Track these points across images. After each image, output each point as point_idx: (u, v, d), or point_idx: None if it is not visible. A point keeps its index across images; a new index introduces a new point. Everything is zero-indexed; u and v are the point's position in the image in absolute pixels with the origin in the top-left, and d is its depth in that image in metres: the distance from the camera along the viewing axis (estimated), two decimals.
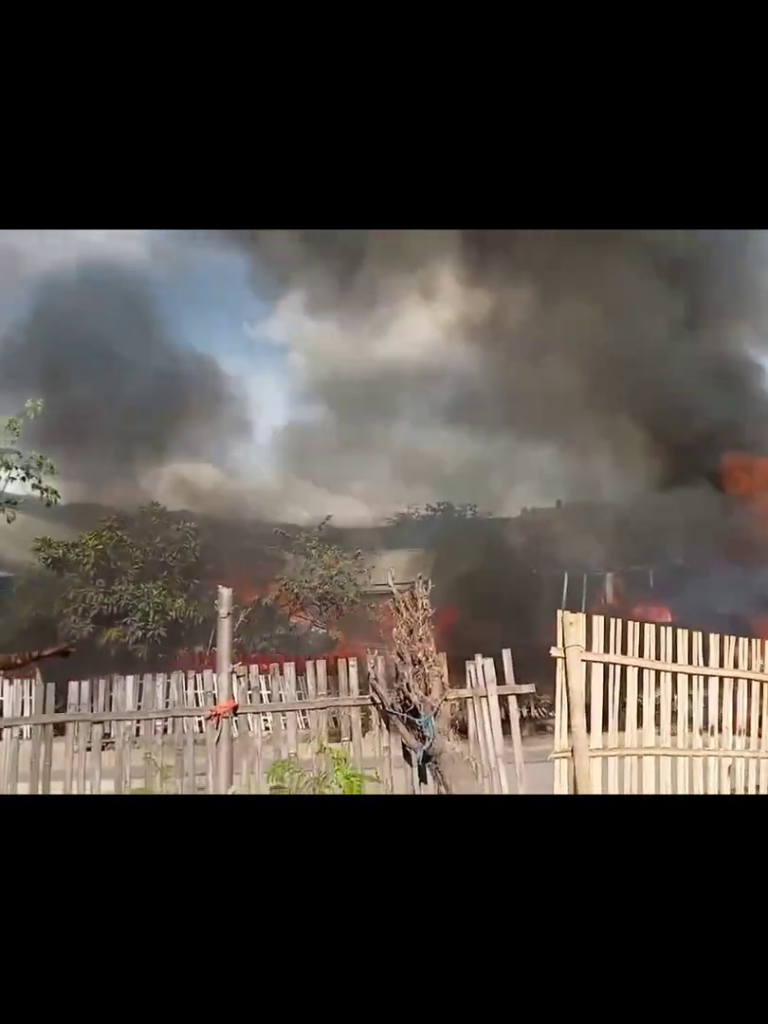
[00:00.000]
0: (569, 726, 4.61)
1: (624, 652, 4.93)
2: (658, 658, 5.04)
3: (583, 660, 4.67)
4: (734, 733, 5.42)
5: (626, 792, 4.84)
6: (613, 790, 4.74)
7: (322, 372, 25.10)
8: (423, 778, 4.56)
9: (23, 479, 6.71)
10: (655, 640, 5.03)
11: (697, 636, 5.29)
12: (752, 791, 5.38)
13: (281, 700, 4.84)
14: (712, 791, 5.21)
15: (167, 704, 5.21)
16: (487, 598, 17.18)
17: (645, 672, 4.99)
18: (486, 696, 4.79)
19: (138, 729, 5.01)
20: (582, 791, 4.52)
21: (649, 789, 4.91)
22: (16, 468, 6.63)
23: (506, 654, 4.90)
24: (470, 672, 4.85)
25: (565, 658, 4.65)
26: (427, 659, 4.52)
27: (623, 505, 20.28)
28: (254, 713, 4.86)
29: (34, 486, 6.81)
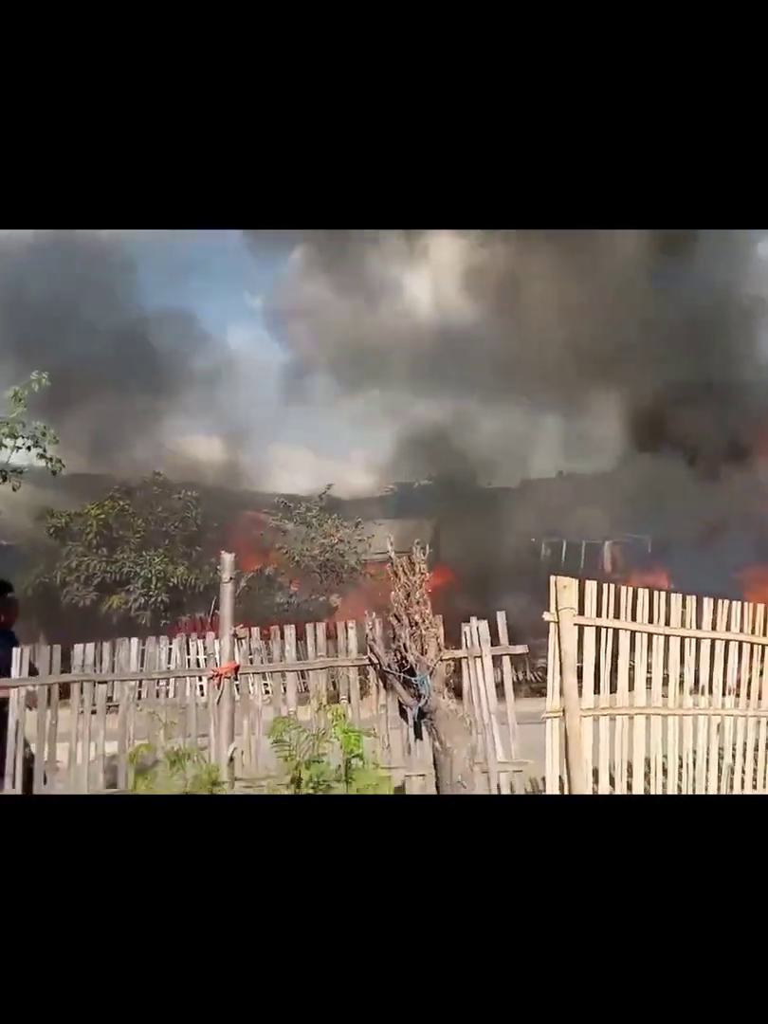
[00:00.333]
0: (561, 687, 4.75)
1: (616, 616, 5.05)
2: (650, 621, 5.17)
3: (575, 624, 4.80)
4: (723, 693, 5.56)
5: (617, 751, 4.99)
6: (604, 749, 4.90)
7: (324, 341, 24.95)
8: (418, 735, 4.72)
9: (29, 448, 6.79)
10: (648, 604, 5.15)
11: (690, 600, 5.41)
12: (740, 749, 5.53)
13: (283, 661, 4.97)
14: (701, 750, 5.37)
15: (170, 667, 5.34)
16: (487, 566, 17.36)
17: (637, 635, 5.11)
18: (480, 656, 4.92)
19: (141, 692, 5.14)
20: (573, 750, 4.67)
21: (640, 748, 5.06)
22: (22, 438, 6.70)
23: (501, 616, 5.02)
24: (465, 633, 4.98)
25: (558, 622, 4.78)
26: (424, 621, 4.64)
27: (623, 475, 20.37)
28: (255, 674, 4.99)
29: (40, 456, 6.89)
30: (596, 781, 4.98)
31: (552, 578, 4.87)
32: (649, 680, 5.14)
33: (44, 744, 5.05)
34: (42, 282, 22.43)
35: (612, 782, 5.01)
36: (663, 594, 5.24)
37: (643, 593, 5.14)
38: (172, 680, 5.29)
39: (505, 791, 4.80)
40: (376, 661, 4.80)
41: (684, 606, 5.32)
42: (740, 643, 5.59)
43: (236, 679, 4.76)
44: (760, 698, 5.73)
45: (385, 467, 26.04)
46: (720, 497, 18.43)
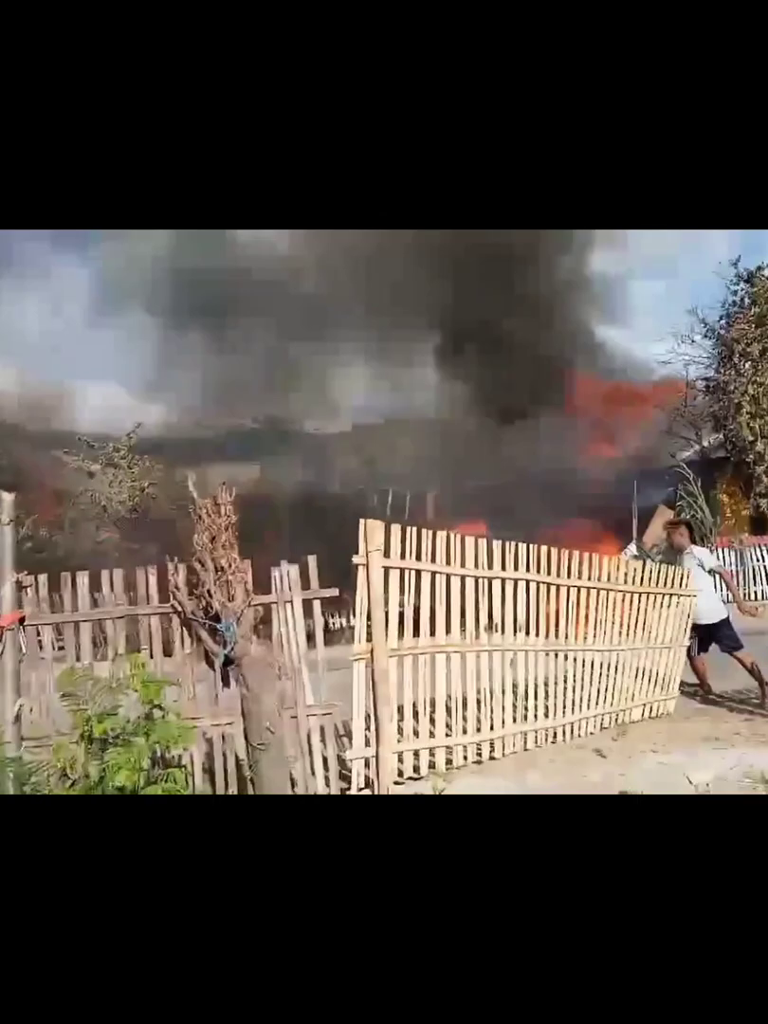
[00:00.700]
0: (369, 629, 4.80)
1: (419, 558, 5.15)
2: (448, 563, 5.33)
3: (382, 566, 4.84)
4: (515, 631, 5.90)
5: (420, 688, 5.15)
6: (408, 686, 5.03)
7: (137, 268, 23.13)
8: (225, 683, 4.56)
9: None
10: (446, 546, 5.30)
11: (483, 543, 5.65)
12: (531, 682, 5.92)
13: (76, 611, 4.60)
14: (497, 683, 5.68)
15: None
16: (312, 512, 17.34)
17: (438, 576, 5.26)
18: (290, 601, 4.83)
19: None
20: (380, 690, 4.75)
21: (441, 684, 5.25)
22: None
23: (311, 560, 4.95)
24: (275, 577, 4.86)
25: (366, 564, 4.79)
26: (230, 566, 4.45)
27: (451, 425, 21.00)
28: (45, 625, 4.58)
29: None
30: (401, 718, 5.12)
31: (362, 521, 4.86)
32: (448, 620, 5.31)
33: None
34: None
35: (416, 718, 5.17)
36: (459, 537, 5.42)
37: (442, 535, 5.28)
38: None
39: (314, 736, 4.80)
40: (180, 608, 4.57)
41: (477, 548, 5.54)
42: (529, 582, 5.93)
43: (22, 628, 4.33)
44: (548, 634, 6.15)
45: (207, 408, 25.07)
46: (536, 449, 19.57)
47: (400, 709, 5.04)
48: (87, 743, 3.49)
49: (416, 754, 5.13)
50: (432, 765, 5.15)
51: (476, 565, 5.53)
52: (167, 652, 4.70)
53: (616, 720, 6.63)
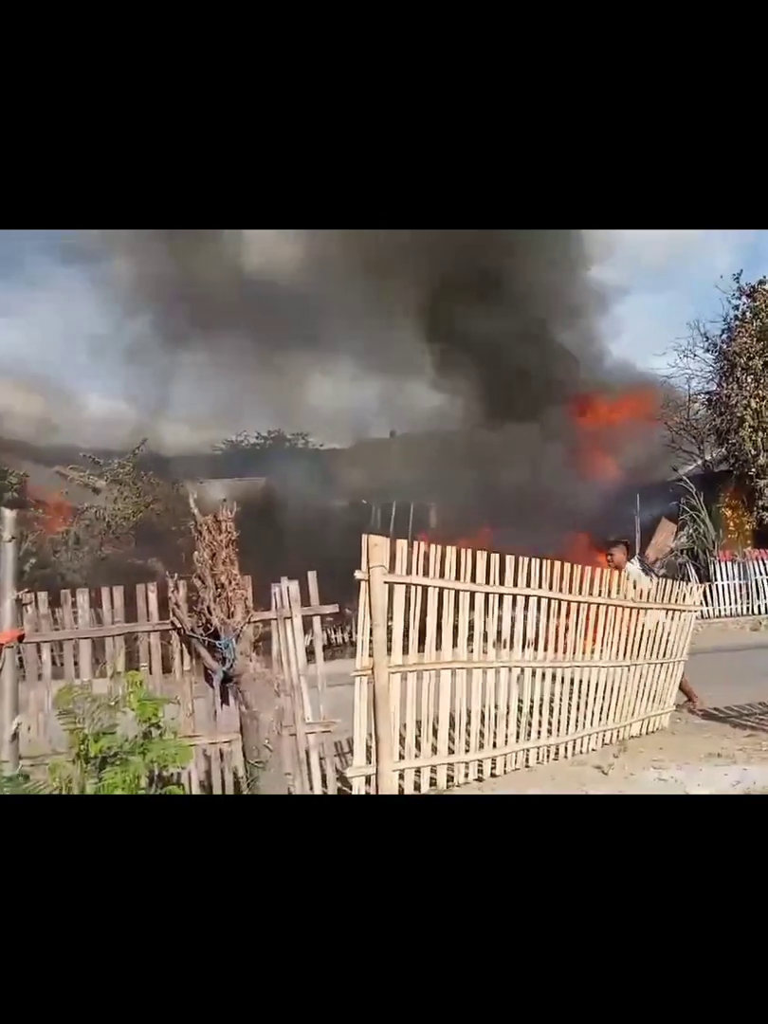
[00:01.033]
0: (370, 645, 4.78)
1: (426, 574, 5.14)
2: (457, 579, 5.31)
3: (385, 582, 4.82)
4: (524, 646, 5.87)
5: (424, 705, 5.12)
6: (411, 704, 5.00)
7: (146, 282, 23.23)
8: (224, 700, 4.55)
9: None
10: (455, 562, 5.28)
11: (494, 558, 5.62)
12: (538, 699, 5.89)
13: (75, 627, 4.59)
14: (502, 700, 5.64)
15: None
16: (316, 527, 17.35)
17: (445, 592, 5.24)
18: (290, 617, 4.82)
19: None
20: (381, 706, 4.72)
21: (445, 701, 5.22)
22: None
23: (311, 576, 4.94)
24: (275, 594, 4.85)
25: (369, 580, 4.78)
26: (230, 583, 4.46)
27: (454, 438, 20.99)
28: (43, 642, 4.57)
29: None
30: (403, 735, 5.09)
31: (364, 536, 4.85)
32: (455, 636, 5.29)
33: None
34: None
35: (418, 735, 5.14)
36: (469, 552, 5.40)
37: (451, 551, 5.26)
38: None
39: (313, 753, 4.77)
40: (179, 625, 4.56)
41: (488, 564, 5.51)
42: (539, 598, 5.91)
43: (20, 649, 4.33)
44: (556, 650, 6.12)
45: (213, 424, 25.15)
46: (539, 463, 19.56)
47: (402, 726, 5.01)
48: (84, 762, 3.47)
49: (417, 771, 5.08)
50: (433, 782, 5.11)
51: (485, 580, 5.50)
52: (166, 669, 4.69)
53: (617, 736, 6.59)
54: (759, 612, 16.78)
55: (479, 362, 21.30)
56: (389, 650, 4.84)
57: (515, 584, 5.74)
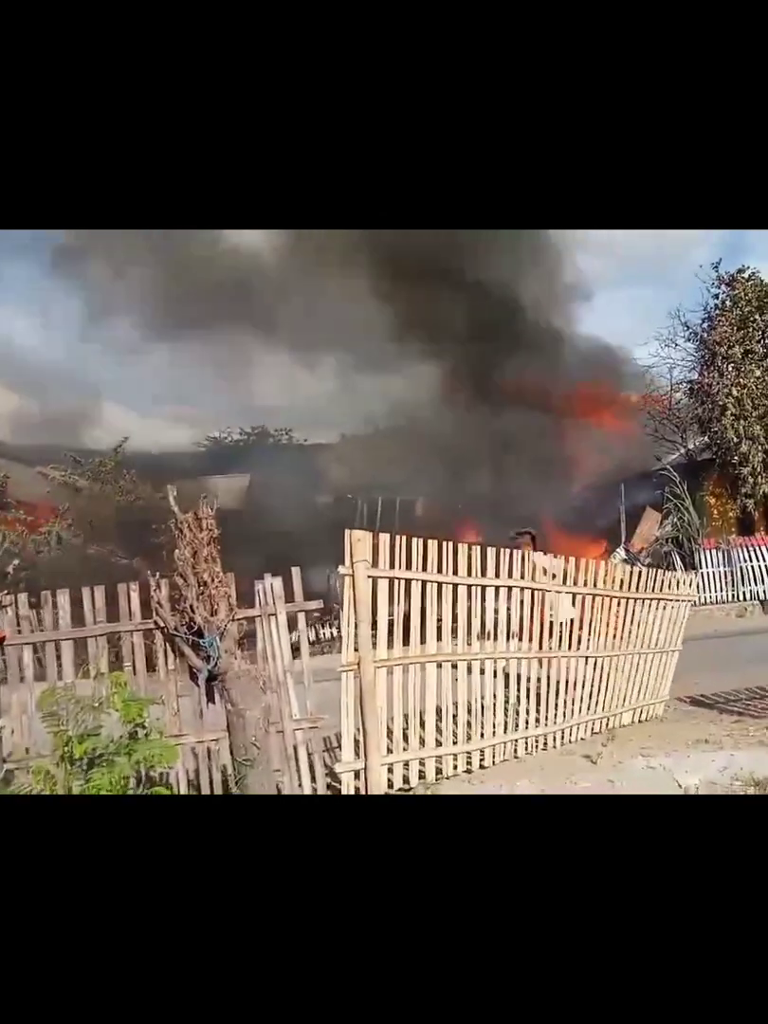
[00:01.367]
0: (356, 640, 4.76)
1: (409, 567, 5.12)
2: (440, 572, 5.30)
3: (369, 576, 4.80)
4: (508, 638, 5.88)
5: (411, 699, 5.12)
6: (398, 698, 4.99)
7: (127, 280, 22.99)
8: (210, 698, 4.53)
9: None
10: (438, 555, 5.27)
11: (475, 550, 5.61)
12: (523, 687, 5.90)
13: (56, 629, 4.54)
14: (488, 691, 5.65)
15: None
16: (302, 522, 17.27)
17: (428, 585, 5.23)
18: (274, 614, 4.79)
19: None
20: (367, 701, 4.71)
21: (431, 694, 5.22)
22: None
23: (295, 572, 4.92)
24: (258, 591, 4.82)
25: (352, 575, 4.76)
26: (213, 580, 4.43)
27: (439, 431, 20.96)
28: (25, 644, 4.52)
29: None
30: (391, 729, 5.08)
31: (347, 532, 4.83)
32: (440, 629, 5.28)
33: None
34: None
35: (406, 728, 5.13)
36: (451, 545, 5.39)
37: (433, 544, 5.25)
38: None
39: (301, 749, 4.75)
40: (163, 624, 4.53)
41: (470, 556, 5.51)
42: (521, 589, 5.91)
43: (2, 651, 4.29)
44: (541, 640, 6.12)
45: (197, 421, 25.00)
46: (529, 456, 19.57)
47: (390, 720, 5.00)
48: (68, 764, 3.44)
49: (406, 765, 5.08)
50: (422, 776, 5.11)
51: (469, 573, 5.50)
52: (151, 668, 4.65)
53: (606, 725, 6.61)
54: (744, 599, 16.90)
55: (463, 355, 21.30)
56: (375, 644, 4.82)
57: (497, 575, 5.74)
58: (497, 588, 5.71)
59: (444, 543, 5.31)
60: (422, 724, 5.17)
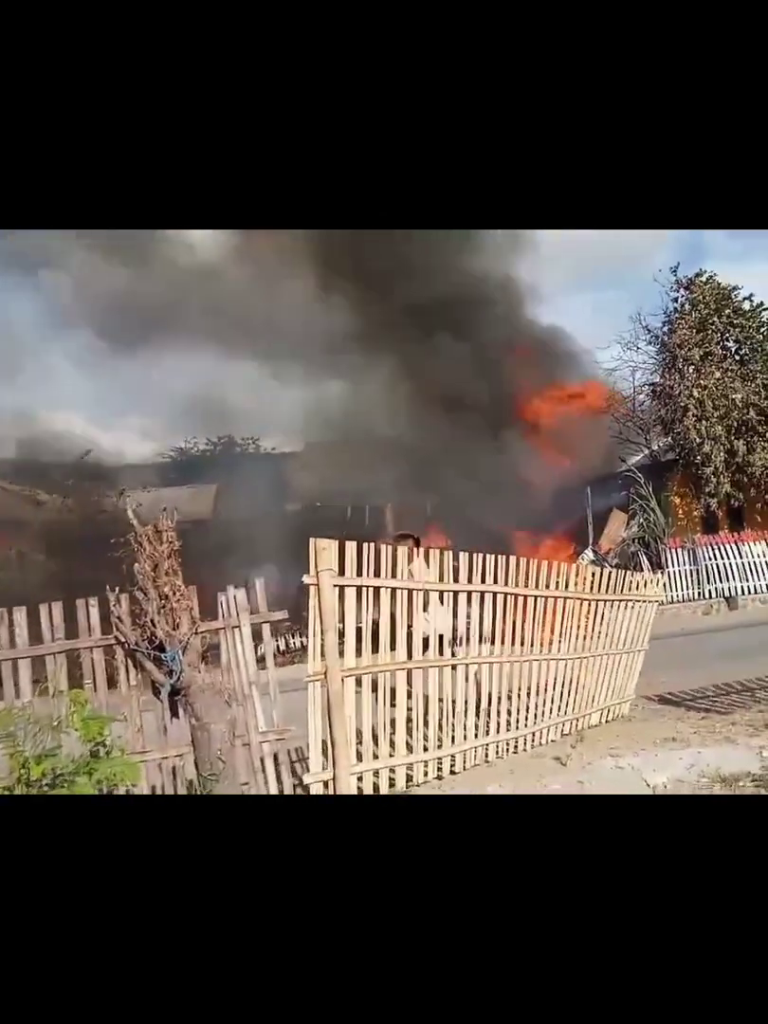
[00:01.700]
0: (322, 650, 4.71)
1: (377, 574, 5.09)
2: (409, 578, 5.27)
3: (335, 585, 4.76)
4: (479, 642, 5.87)
5: (380, 707, 5.08)
6: (366, 707, 4.95)
7: (89, 289, 22.68)
8: (174, 713, 4.45)
9: None
10: (408, 561, 5.24)
11: (447, 555, 5.60)
12: (496, 694, 5.89)
13: (13, 647, 4.43)
14: (460, 697, 5.63)
15: None
16: (270, 531, 17.17)
17: (397, 592, 5.20)
18: (238, 626, 4.72)
19: None
20: (335, 711, 4.66)
21: (400, 701, 5.18)
22: None
23: (259, 583, 4.86)
24: (221, 602, 4.75)
25: (318, 584, 4.71)
26: (174, 594, 4.35)
27: (404, 437, 20.98)
28: None
29: None
30: (360, 740, 5.03)
31: (311, 540, 4.78)
32: (410, 636, 5.25)
33: None
34: None
35: (375, 737, 5.10)
36: (421, 551, 5.37)
37: (402, 550, 5.23)
38: None
39: (268, 762, 4.69)
40: (123, 639, 4.44)
41: (441, 561, 5.49)
42: (493, 594, 5.91)
43: None
44: (510, 644, 6.12)
45: (162, 432, 24.76)
46: (496, 461, 19.66)
47: (358, 730, 4.96)
48: (25, 787, 3.34)
49: (375, 773, 5.04)
50: (392, 783, 5.07)
51: (439, 578, 5.48)
52: (112, 684, 4.55)
53: (576, 726, 6.63)
54: (710, 596, 17.14)
55: (427, 361, 21.36)
56: (342, 653, 4.78)
57: (468, 580, 5.73)
58: (468, 593, 5.70)
59: (412, 549, 5.30)
60: (392, 732, 5.14)
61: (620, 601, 7.33)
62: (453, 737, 5.52)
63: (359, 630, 4.96)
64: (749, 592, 17.11)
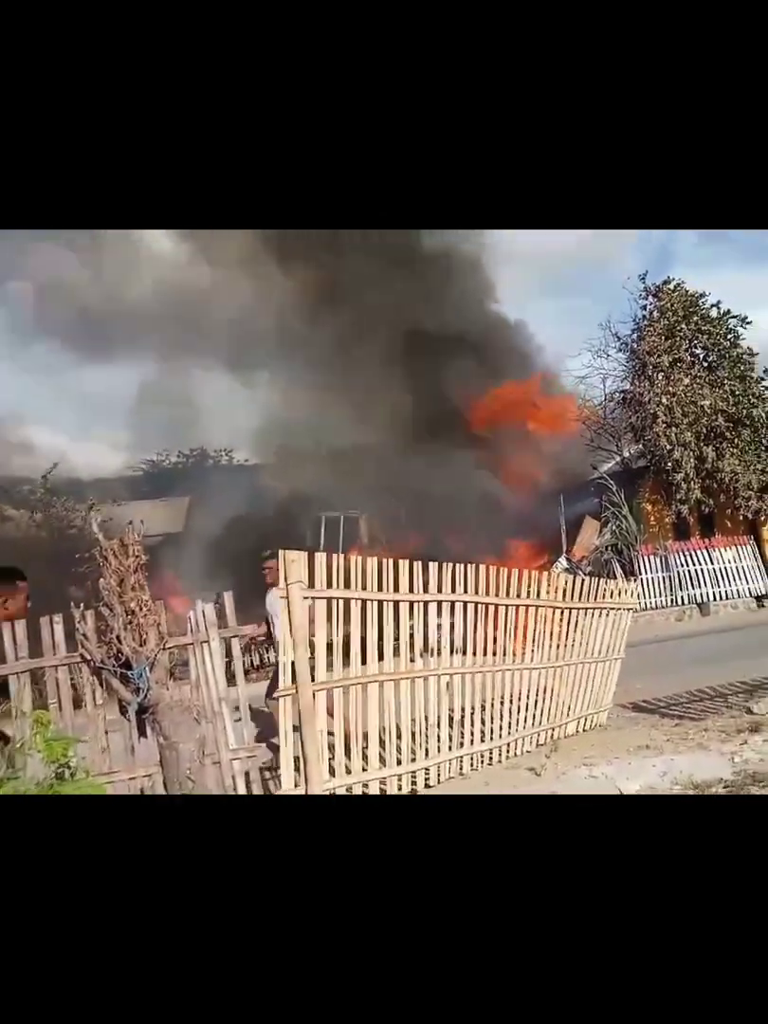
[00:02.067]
0: (293, 664, 4.64)
1: (347, 586, 5.04)
2: (380, 589, 5.23)
3: (305, 598, 4.70)
4: (452, 653, 5.84)
5: (352, 721, 5.02)
6: (338, 721, 4.89)
7: (55, 299, 22.41)
8: (142, 732, 4.35)
9: None
10: (377, 572, 5.20)
11: (416, 565, 5.56)
12: (469, 705, 5.86)
13: None
14: (432, 709, 5.59)
15: None
16: (244, 543, 17.03)
17: (368, 603, 5.15)
18: (207, 641, 4.65)
19: None
20: (306, 725, 4.60)
21: (374, 715, 5.13)
22: None
23: (227, 596, 4.79)
24: (190, 617, 4.67)
25: (287, 597, 4.65)
26: (141, 609, 4.27)
27: (377, 448, 20.97)
28: None
29: None
30: (332, 754, 4.96)
31: (281, 552, 4.73)
32: (381, 648, 5.21)
33: None
34: None
35: (347, 753, 5.03)
36: (390, 562, 5.33)
37: (371, 561, 5.18)
38: None
39: (239, 780, 4.60)
40: (89, 657, 4.34)
41: (411, 572, 5.45)
42: (464, 603, 5.89)
43: None
44: (484, 654, 6.10)
45: (131, 443, 24.53)
46: (468, 470, 19.72)
47: (331, 745, 4.89)
48: None
49: (349, 789, 4.97)
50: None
51: (411, 589, 5.44)
52: (78, 704, 4.45)
53: (551, 736, 6.62)
54: (683, 603, 17.30)
55: (399, 368, 21.39)
56: (313, 667, 4.72)
57: (439, 590, 5.71)
58: (439, 603, 5.67)
59: (383, 560, 5.25)
60: (365, 746, 5.08)
61: (594, 609, 7.35)
62: (427, 750, 5.48)
63: (330, 644, 4.91)
64: (721, 597, 17.31)
